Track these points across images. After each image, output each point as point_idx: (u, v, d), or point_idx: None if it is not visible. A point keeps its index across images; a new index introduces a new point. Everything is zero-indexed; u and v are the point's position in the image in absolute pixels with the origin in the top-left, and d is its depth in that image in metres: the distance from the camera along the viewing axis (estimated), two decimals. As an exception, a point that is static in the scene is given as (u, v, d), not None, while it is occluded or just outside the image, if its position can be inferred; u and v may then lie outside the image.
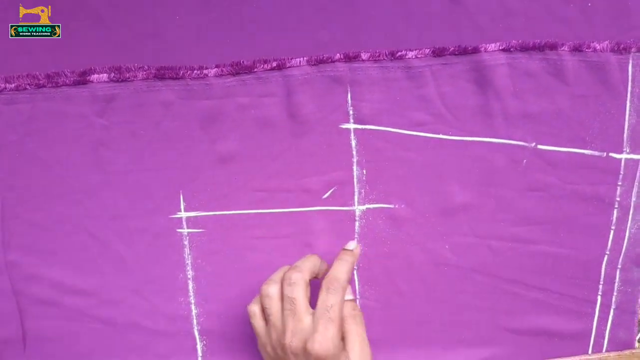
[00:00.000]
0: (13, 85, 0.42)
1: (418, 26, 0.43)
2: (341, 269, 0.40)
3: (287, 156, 0.44)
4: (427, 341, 0.48)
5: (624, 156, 0.46)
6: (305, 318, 0.38)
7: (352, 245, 0.43)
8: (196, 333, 0.47)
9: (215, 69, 0.42)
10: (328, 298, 0.38)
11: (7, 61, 0.41)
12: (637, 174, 0.46)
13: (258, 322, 0.40)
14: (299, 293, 0.39)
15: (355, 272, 0.47)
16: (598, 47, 0.43)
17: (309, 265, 0.41)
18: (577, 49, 0.43)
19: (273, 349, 0.39)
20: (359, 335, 0.39)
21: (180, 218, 0.45)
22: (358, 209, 0.46)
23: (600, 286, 0.48)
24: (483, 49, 0.43)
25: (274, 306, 0.39)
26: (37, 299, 0.45)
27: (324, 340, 0.36)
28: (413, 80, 0.44)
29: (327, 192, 0.45)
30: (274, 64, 0.43)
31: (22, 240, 0.44)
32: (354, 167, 0.45)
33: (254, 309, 0.41)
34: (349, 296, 0.41)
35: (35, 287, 0.45)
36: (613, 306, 0.49)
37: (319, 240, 0.46)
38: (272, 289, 0.40)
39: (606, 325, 0.49)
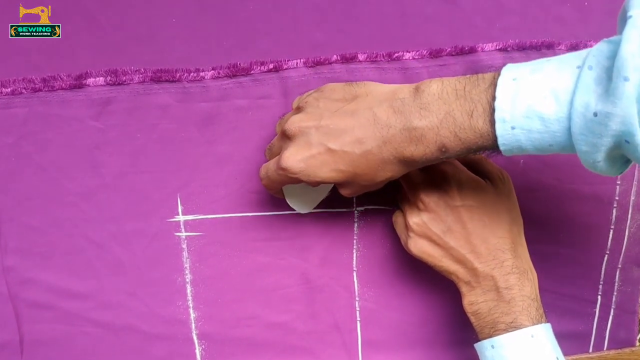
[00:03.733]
0: (9, 89, 0.41)
1: (414, 27, 0.43)
2: None
3: (285, 158, 0.44)
4: (426, 342, 0.48)
5: (622, 155, 0.46)
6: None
7: None
8: (195, 337, 0.46)
9: (212, 71, 0.42)
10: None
11: (7, 61, 0.41)
12: (636, 173, 0.46)
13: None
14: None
15: (354, 273, 0.47)
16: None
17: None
18: (573, 48, 0.43)
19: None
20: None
21: (178, 221, 0.44)
22: (357, 210, 0.46)
23: (600, 286, 0.48)
24: (480, 48, 0.43)
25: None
26: (34, 303, 0.44)
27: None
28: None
29: (325, 194, 0.45)
30: (271, 66, 0.43)
31: (18, 244, 0.44)
32: (352, 169, 0.45)
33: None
34: None
35: (32, 290, 0.44)
36: (613, 306, 0.48)
37: (317, 242, 0.46)
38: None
39: (607, 325, 0.49)
